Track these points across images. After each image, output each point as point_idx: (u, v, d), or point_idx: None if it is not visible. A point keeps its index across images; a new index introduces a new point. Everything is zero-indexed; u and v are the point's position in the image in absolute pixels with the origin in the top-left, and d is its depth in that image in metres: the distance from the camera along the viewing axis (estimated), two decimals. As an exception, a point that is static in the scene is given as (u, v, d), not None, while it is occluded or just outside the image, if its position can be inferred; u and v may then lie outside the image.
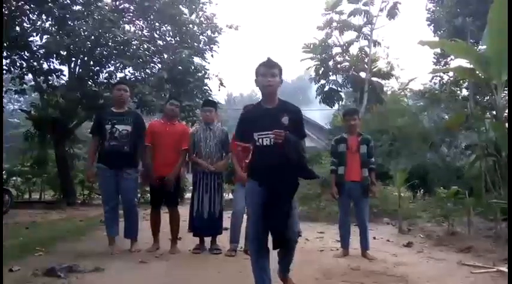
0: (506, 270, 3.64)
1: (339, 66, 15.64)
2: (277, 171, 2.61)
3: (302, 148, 2.75)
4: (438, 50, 12.74)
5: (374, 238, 5.69)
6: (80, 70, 11.87)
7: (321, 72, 15.63)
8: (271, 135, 2.61)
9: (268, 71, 2.71)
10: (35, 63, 11.35)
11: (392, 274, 3.62)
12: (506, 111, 5.26)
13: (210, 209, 4.55)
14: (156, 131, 4.58)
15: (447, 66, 13.01)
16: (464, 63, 5.51)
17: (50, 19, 11.09)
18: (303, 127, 2.88)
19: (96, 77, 12.00)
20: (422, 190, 12.45)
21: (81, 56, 11.68)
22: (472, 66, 5.23)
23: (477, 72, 5.26)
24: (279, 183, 2.63)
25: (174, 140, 4.55)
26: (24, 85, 11.77)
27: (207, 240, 4.67)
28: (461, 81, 12.83)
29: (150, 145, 4.53)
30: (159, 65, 12.15)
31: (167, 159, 4.51)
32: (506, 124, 5.08)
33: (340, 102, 16.50)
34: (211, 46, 12.41)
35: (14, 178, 12.82)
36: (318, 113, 28.44)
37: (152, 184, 4.62)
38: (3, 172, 9.25)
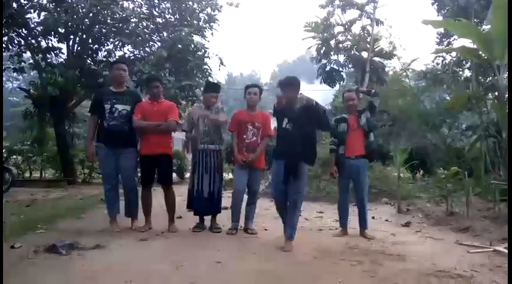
0: (503, 250, 3.68)
1: (340, 45, 15.41)
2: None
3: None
4: (441, 30, 12.53)
5: (373, 217, 5.74)
6: (79, 48, 11.76)
7: (322, 51, 15.41)
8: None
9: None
10: (33, 41, 11.23)
11: (390, 253, 3.66)
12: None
13: (210, 188, 4.55)
14: (145, 111, 4.44)
15: (450, 46, 12.82)
16: (467, 43, 5.45)
17: (47, -5, 10.92)
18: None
19: (94, 55, 11.90)
20: (421, 170, 12.50)
21: (80, 33, 11.54)
22: (475, 46, 5.17)
23: (480, 52, 5.20)
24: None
25: (163, 119, 4.45)
26: (23, 63, 11.68)
27: (207, 219, 4.70)
28: (463, 62, 12.67)
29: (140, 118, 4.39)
30: (159, 43, 12.01)
31: (157, 137, 4.44)
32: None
33: (342, 82, 16.36)
34: (211, 24, 12.23)
35: (14, 156, 12.84)
36: (319, 93, 28.30)
37: (142, 162, 4.56)
38: (4, 150, 9.23)
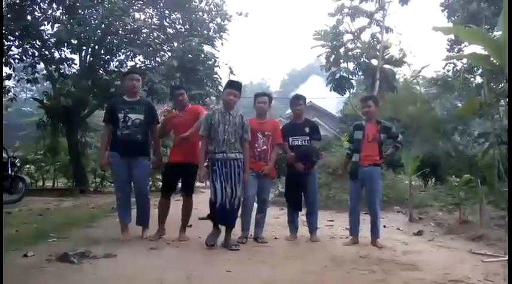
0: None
1: (350, 53, 15.37)
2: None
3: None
4: (452, 36, 12.48)
5: (384, 226, 5.68)
6: (91, 59, 11.93)
7: (331, 59, 15.37)
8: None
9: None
10: (47, 52, 11.44)
11: (402, 262, 3.62)
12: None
13: (232, 198, 4.16)
14: (175, 123, 4.62)
15: (461, 52, 12.73)
16: (478, 49, 5.39)
17: (60, 8, 11.15)
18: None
19: (107, 66, 12.06)
20: (433, 178, 12.36)
21: (92, 44, 11.72)
22: (486, 52, 5.12)
23: (492, 58, 5.15)
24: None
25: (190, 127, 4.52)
26: (36, 74, 11.92)
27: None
28: (475, 68, 12.57)
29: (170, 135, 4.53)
30: (169, 53, 12.14)
31: (188, 146, 4.50)
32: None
33: (352, 90, 16.30)
34: (221, 34, 12.33)
35: (28, 166, 13.02)
36: (329, 102, 28.28)
37: (168, 170, 4.62)
38: (17, 160, 9.35)
